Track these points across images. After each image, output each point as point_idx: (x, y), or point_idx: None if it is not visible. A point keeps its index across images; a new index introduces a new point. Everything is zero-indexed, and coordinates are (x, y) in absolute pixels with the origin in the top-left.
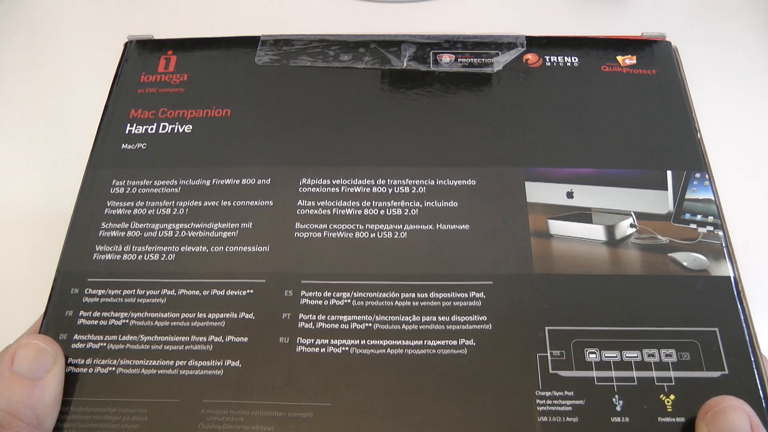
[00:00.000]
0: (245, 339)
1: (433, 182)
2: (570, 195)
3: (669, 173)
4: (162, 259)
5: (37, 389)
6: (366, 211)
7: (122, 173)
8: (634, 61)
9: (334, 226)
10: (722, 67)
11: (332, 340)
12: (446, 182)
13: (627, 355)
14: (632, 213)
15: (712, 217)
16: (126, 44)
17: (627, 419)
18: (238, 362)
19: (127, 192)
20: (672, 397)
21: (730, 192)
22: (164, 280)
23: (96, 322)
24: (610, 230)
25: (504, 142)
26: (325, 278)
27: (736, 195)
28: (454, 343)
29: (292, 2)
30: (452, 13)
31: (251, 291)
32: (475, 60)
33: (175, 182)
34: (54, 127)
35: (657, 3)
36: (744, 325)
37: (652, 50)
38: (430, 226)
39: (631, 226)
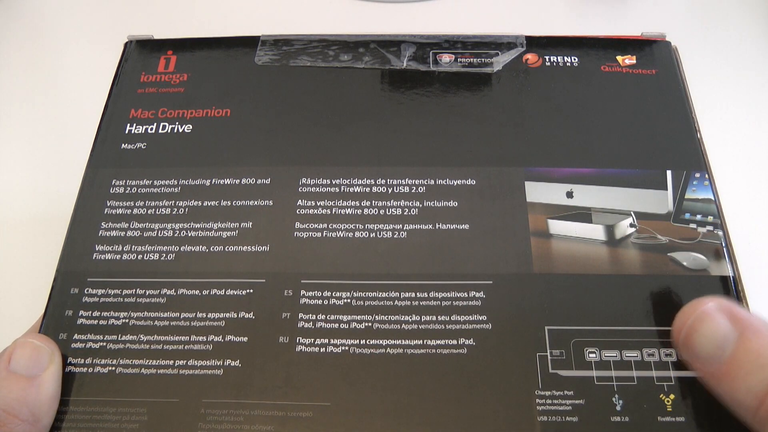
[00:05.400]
0: (245, 339)
1: (432, 182)
2: (570, 195)
3: (669, 173)
4: (162, 258)
5: (33, 387)
6: (366, 211)
7: (122, 173)
8: (634, 61)
9: (334, 225)
10: (722, 67)
11: (332, 340)
12: (446, 182)
13: (627, 354)
14: (632, 213)
15: (711, 217)
16: (126, 44)
17: (627, 419)
18: (238, 362)
19: (127, 192)
20: (672, 396)
21: (730, 192)
22: (164, 280)
23: (96, 321)
24: (609, 230)
25: (504, 142)
26: (325, 278)
27: (736, 195)
28: (454, 342)
29: (292, 2)
30: (452, 13)
31: (251, 291)
32: (474, 60)
33: (175, 182)
34: (54, 127)
35: (657, 3)
36: None
37: (652, 50)
38: (430, 226)
39: (631, 225)
